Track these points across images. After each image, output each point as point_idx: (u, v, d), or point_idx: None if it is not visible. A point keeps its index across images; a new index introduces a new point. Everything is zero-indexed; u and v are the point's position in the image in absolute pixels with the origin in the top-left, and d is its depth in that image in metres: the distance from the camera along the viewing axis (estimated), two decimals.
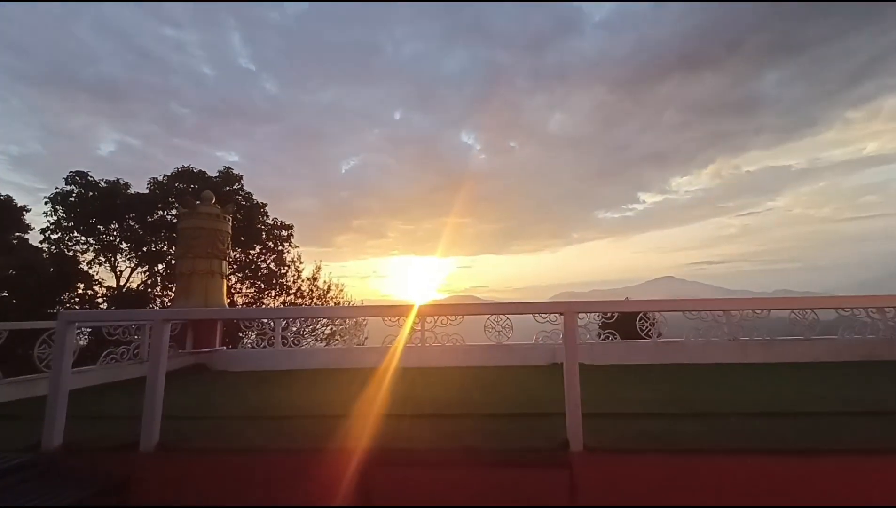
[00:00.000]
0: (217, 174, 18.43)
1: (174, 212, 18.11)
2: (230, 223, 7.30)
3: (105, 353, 5.13)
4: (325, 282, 23.22)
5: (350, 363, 6.50)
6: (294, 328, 6.93)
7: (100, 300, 16.69)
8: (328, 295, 23.00)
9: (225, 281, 7.12)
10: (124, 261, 17.06)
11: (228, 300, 8.39)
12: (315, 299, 22.04)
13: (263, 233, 18.67)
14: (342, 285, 24.24)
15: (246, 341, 7.02)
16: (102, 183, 16.62)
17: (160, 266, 16.86)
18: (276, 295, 19.71)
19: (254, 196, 18.95)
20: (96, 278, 16.63)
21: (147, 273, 17.41)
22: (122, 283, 17.24)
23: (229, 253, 7.19)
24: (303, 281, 21.85)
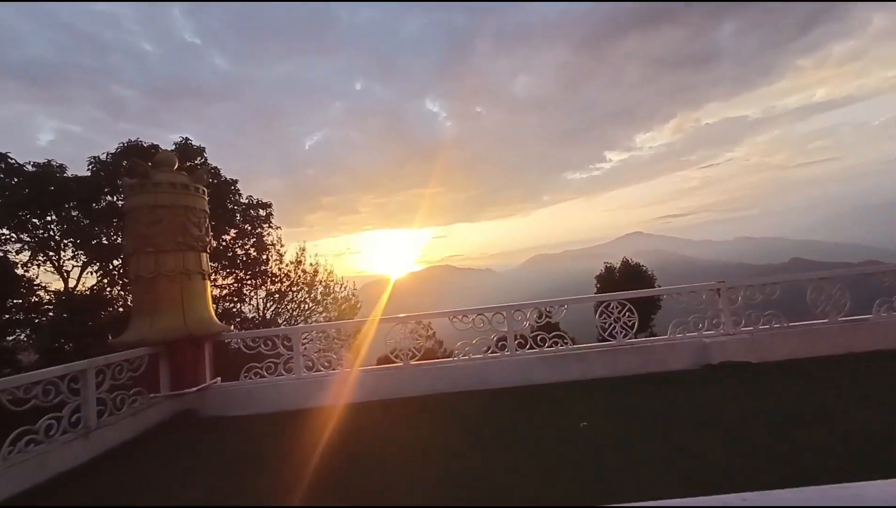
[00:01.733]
0: (174, 147, 15.39)
1: (121, 189, 15.15)
2: (206, 198, 4.94)
3: (15, 434, 2.88)
4: (311, 264, 20.82)
5: (422, 387, 4.47)
6: (321, 345, 4.77)
7: (47, 308, 13.85)
8: (316, 278, 20.67)
9: (209, 283, 4.83)
10: (70, 260, 14.12)
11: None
12: (304, 286, 19.68)
13: (238, 214, 15.95)
14: (330, 265, 21.92)
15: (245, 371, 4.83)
16: (29, 166, 13.41)
17: (116, 262, 14.05)
18: (259, 284, 17.24)
19: (221, 171, 16.07)
20: (37, 282, 13.71)
21: (100, 272, 14.56)
22: (72, 285, 14.36)
23: (210, 241, 4.87)
24: (286, 265, 19.39)
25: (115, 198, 15.05)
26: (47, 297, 13.80)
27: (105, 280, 13.93)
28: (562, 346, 4.66)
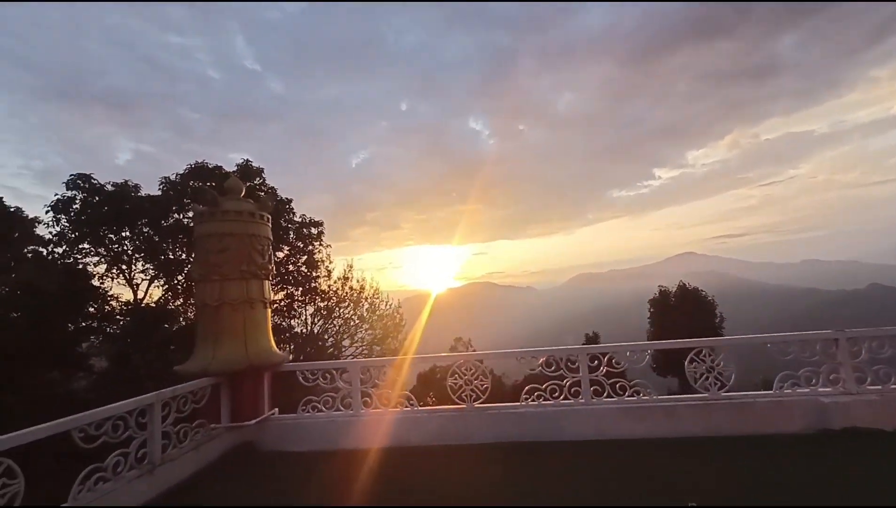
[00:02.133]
0: (235, 169, 16.20)
1: (191, 214, 16.04)
2: (269, 225, 4.93)
3: (86, 472, 2.83)
4: (358, 281, 21.08)
5: (489, 434, 4.10)
6: (380, 381, 4.54)
7: (118, 318, 14.78)
8: (362, 295, 20.87)
9: (269, 311, 4.77)
10: (140, 273, 15.05)
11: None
12: (350, 302, 19.91)
13: (291, 232, 16.46)
14: (374, 281, 22.08)
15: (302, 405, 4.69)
16: (108, 186, 14.52)
17: (180, 277, 14.82)
18: (308, 300, 17.62)
19: (277, 191, 16.69)
20: (110, 293, 14.68)
21: (165, 285, 15.41)
22: (140, 297, 15.28)
23: (272, 269, 4.83)
24: (334, 282, 19.73)
25: (181, 216, 15.98)
26: (119, 307, 14.73)
27: (169, 294, 14.71)
28: (644, 396, 4.15)
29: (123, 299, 14.94)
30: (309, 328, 17.65)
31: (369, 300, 21.20)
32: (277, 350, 4.63)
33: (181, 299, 14.84)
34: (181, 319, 13.93)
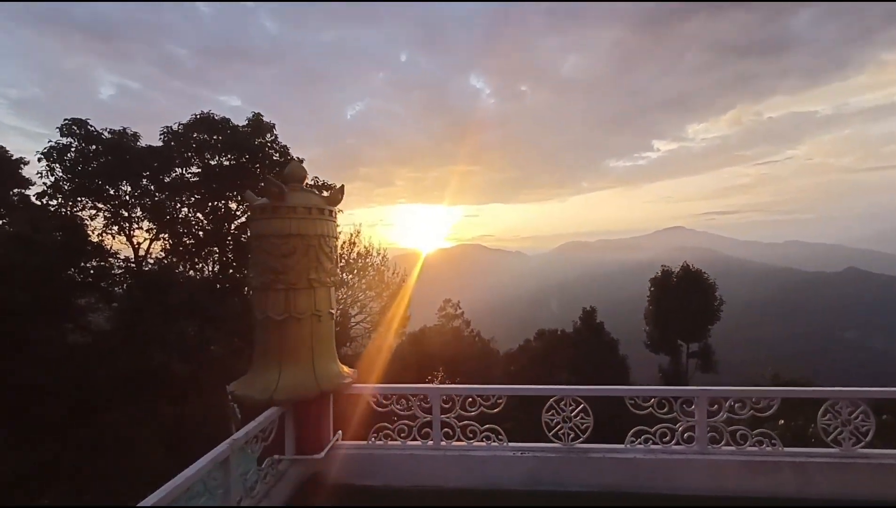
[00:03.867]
0: (246, 123, 14.95)
1: (195, 169, 14.93)
2: (337, 222, 4.20)
3: None
4: (365, 247, 20.41)
5: (591, 480, 3.63)
6: (469, 412, 4.00)
7: (116, 274, 14.01)
8: (368, 260, 20.28)
9: (333, 323, 4.13)
10: (141, 231, 14.13)
11: None
12: (359, 271, 19.33)
13: None
14: (384, 249, 21.41)
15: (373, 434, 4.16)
16: (106, 134, 13.28)
17: (186, 240, 13.97)
18: None
19: (290, 150, 15.56)
20: (110, 249, 13.84)
21: (170, 243, 14.55)
22: (140, 255, 14.46)
23: (340, 274, 4.16)
24: (341, 247, 19.07)
25: (185, 170, 14.87)
26: (117, 264, 13.92)
27: (173, 257, 13.89)
28: (768, 448, 3.71)
29: (123, 257, 14.12)
30: None
31: (375, 267, 20.62)
32: (346, 369, 4.04)
33: (187, 263, 14.07)
34: (190, 285, 13.21)
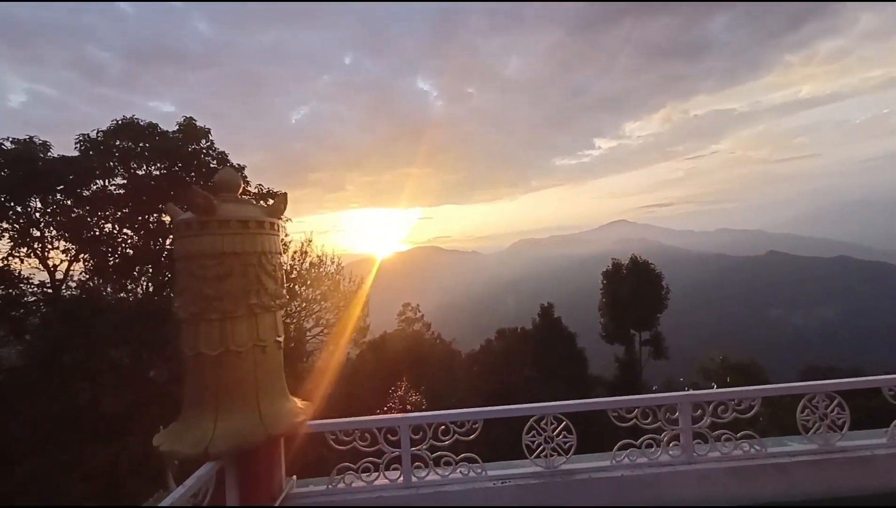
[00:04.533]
0: (176, 128, 13.69)
1: (120, 181, 13.48)
2: (280, 235, 3.65)
3: None
4: (318, 256, 19.54)
5: (582, 503, 3.33)
6: (440, 441, 3.58)
7: (29, 302, 12.35)
8: (321, 269, 19.43)
9: (282, 353, 3.58)
10: (57, 252, 12.52)
11: None
12: (311, 281, 18.41)
13: None
14: (338, 257, 20.61)
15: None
16: (8, 144, 11.64)
17: (114, 259, 12.52)
18: None
19: (228, 156, 14.45)
20: (18, 274, 12.16)
21: (92, 263, 13.01)
22: (57, 279, 12.81)
23: (286, 295, 3.61)
24: (291, 257, 18.12)
25: (106, 182, 13.41)
26: (31, 290, 12.27)
27: (98, 279, 12.40)
28: (752, 450, 3.60)
29: (37, 282, 12.46)
30: None
31: (330, 276, 19.79)
32: (299, 404, 3.50)
33: (115, 284, 12.62)
34: (120, 309, 11.80)
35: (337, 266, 19.81)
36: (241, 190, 3.60)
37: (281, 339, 3.50)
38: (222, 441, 2.98)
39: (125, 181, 13.50)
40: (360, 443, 3.52)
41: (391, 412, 16.12)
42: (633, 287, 32.23)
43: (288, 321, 16.51)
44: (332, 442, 3.51)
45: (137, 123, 13.66)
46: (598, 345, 35.89)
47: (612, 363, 33.54)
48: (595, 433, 3.93)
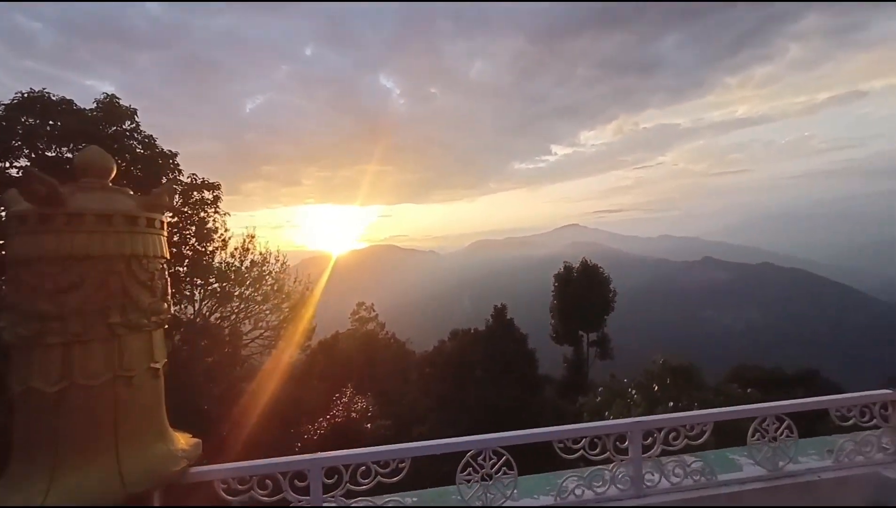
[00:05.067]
0: (95, 106, 12.14)
1: (24, 163, 11.83)
2: (165, 234, 2.92)
3: None
4: (261, 253, 18.32)
5: None
6: (368, 480, 3.01)
7: None
8: (265, 268, 18.23)
9: (161, 382, 2.86)
10: None
11: None
12: (253, 280, 17.17)
13: (177, 196, 13.11)
14: (283, 254, 19.42)
15: None
16: None
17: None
18: (197, 282, 14.57)
19: (157, 141, 13.04)
20: None
21: None
22: None
23: (169, 309, 2.89)
24: (231, 254, 16.79)
25: (8, 163, 11.71)
26: None
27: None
28: (703, 479, 3.33)
29: None
30: (198, 312, 14.69)
31: (274, 275, 18.59)
32: (181, 444, 2.81)
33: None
34: None
35: (282, 264, 18.63)
36: (112, 175, 2.84)
37: (160, 365, 2.79)
38: (60, 504, 2.25)
39: (29, 163, 11.81)
40: (260, 491, 2.88)
41: (334, 421, 15.23)
42: (582, 290, 33.09)
43: (223, 323, 15.21)
44: (222, 493, 2.85)
45: (48, 97, 11.98)
46: (549, 346, 36.58)
47: (561, 363, 34.27)
48: (539, 463, 3.50)
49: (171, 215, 13.34)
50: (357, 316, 41.38)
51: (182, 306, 14.09)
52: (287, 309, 17.42)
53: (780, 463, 3.43)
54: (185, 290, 14.21)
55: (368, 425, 16.46)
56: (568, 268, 35.21)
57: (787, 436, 3.47)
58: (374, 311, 42.11)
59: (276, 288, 17.94)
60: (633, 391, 15.18)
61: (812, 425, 5.65)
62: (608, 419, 14.38)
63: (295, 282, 18.40)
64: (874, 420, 3.56)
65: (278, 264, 18.29)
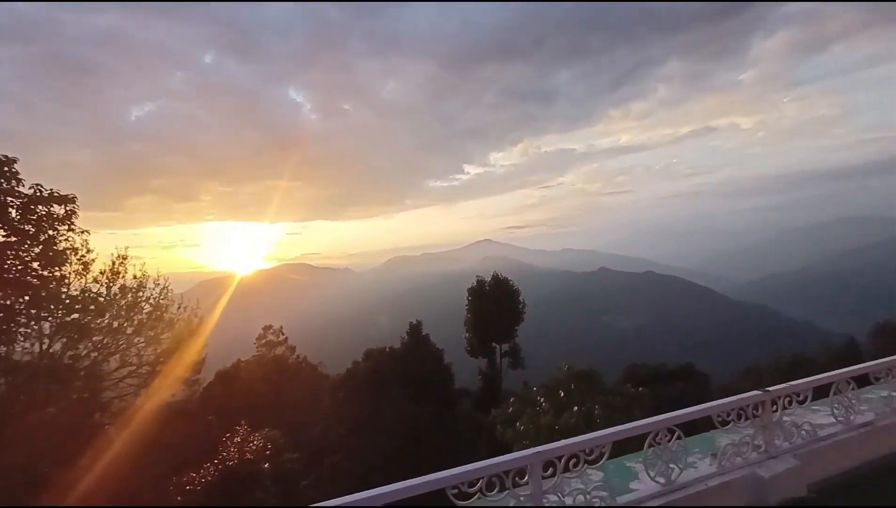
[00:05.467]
0: None
1: None
2: None
3: None
4: (135, 276, 15.90)
5: None
6: None
7: None
8: (139, 295, 15.85)
9: None
10: None
11: None
12: (121, 309, 14.79)
13: (15, 211, 10.71)
14: (165, 277, 17.08)
15: None
16: None
17: None
18: (40, 314, 12.03)
19: None
20: None
21: None
22: None
23: None
24: (94, 279, 14.31)
25: None
26: None
27: None
28: (603, 505, 3.19)
29: None
30: (45, 351, 12.07)
31: (152, 301, 16.24)
32: None
33: None
34: None
35: (163, 289, 16.22)
36: None
37: None
38: None
39: None
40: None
41: (224, 464, 13.29)
42: (494, 303, 34.04)
43: (79, 363, 12.64)
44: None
45: None
46: (465, 360, 36.86)
47: (476, 375, 34.70)
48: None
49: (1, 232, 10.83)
50: (263, 341, 37.99)
51: (22, 344, 11.48)
52: (167, 340, 15.16)
53: (674, 475, 3.44)
54: (26, 325, 11.61)
55: (266, 464, 14.73)
56: (480, 282, 36.03)
57: (678, 444, 3.50)
58: (282, 334, 38.98)
59: (154, 316, 15.57)
60: (542, 399, 15.64)
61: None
62: (520, 429, 14.60)
63: (179, 309, 16.14)
64: (748, 421, 3.77)
65: (158, 289, 15.92)
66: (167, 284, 16.12)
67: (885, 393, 4.41)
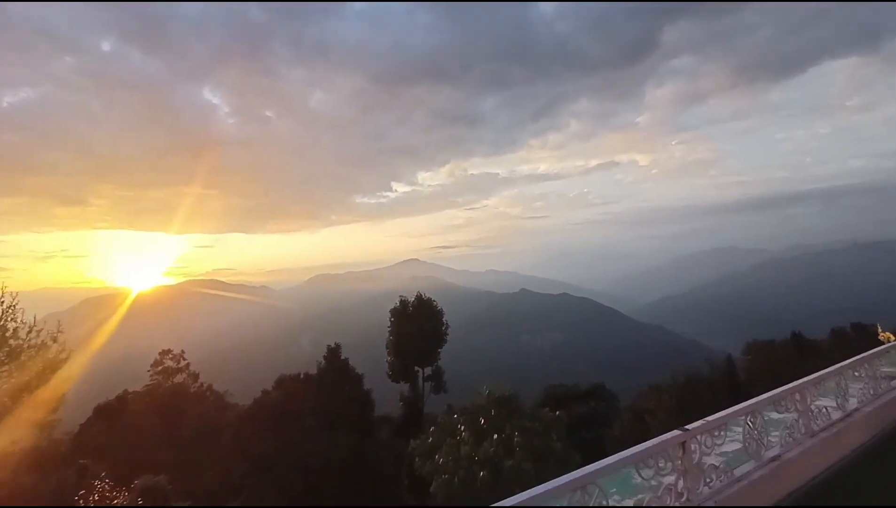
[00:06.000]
0: None
1: None
2: None
3: None
4: None
5: None
6: None
7: None
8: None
9: None
10: None
11: None
12: None
13: None
14: (14, 294, 14.18)
15: None
16: None
17: None
18: None
19: None
20: None
21: None
22: None
23: None
24: None
25: None
26: None
27: None
28: None
29: None
30: None
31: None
32: None
33: None
34: None
35: (9, 308, 13.26)
36: None
37: None
38: None
39: None
40: None
41: None
42: (416, 325, 33.32)
43: None
44: None
45: None
46: (386, 385, 35.45)
47: (398, 401, 33.43)
48: None
49: None
50: (160, 367, 33.28)
51: None
52: (11, 372, 12.34)
53: None
54: None
55: None
56: (404, 303, 35.17)
57: (599, 494, 3.13)
58: (184, 359, 34.44)
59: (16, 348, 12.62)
60: (462, 427, 15.15)
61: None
62: (438, 461, 13.92)
63: (30, 333, 13.27)
64: (670, 464, 3.55)
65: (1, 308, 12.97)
66: (14, 300, 13.16)
67: (789, 422, 4.56)
